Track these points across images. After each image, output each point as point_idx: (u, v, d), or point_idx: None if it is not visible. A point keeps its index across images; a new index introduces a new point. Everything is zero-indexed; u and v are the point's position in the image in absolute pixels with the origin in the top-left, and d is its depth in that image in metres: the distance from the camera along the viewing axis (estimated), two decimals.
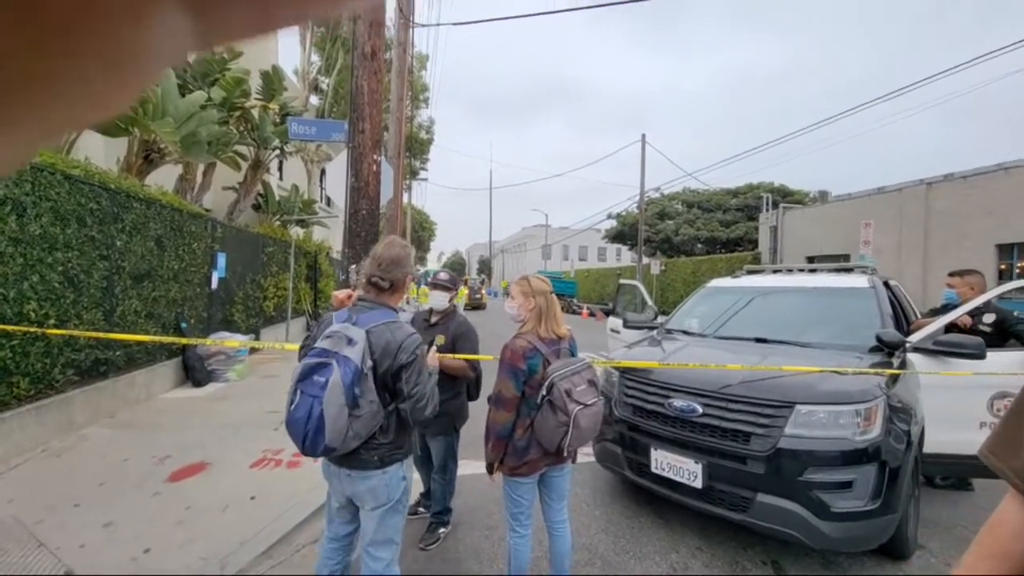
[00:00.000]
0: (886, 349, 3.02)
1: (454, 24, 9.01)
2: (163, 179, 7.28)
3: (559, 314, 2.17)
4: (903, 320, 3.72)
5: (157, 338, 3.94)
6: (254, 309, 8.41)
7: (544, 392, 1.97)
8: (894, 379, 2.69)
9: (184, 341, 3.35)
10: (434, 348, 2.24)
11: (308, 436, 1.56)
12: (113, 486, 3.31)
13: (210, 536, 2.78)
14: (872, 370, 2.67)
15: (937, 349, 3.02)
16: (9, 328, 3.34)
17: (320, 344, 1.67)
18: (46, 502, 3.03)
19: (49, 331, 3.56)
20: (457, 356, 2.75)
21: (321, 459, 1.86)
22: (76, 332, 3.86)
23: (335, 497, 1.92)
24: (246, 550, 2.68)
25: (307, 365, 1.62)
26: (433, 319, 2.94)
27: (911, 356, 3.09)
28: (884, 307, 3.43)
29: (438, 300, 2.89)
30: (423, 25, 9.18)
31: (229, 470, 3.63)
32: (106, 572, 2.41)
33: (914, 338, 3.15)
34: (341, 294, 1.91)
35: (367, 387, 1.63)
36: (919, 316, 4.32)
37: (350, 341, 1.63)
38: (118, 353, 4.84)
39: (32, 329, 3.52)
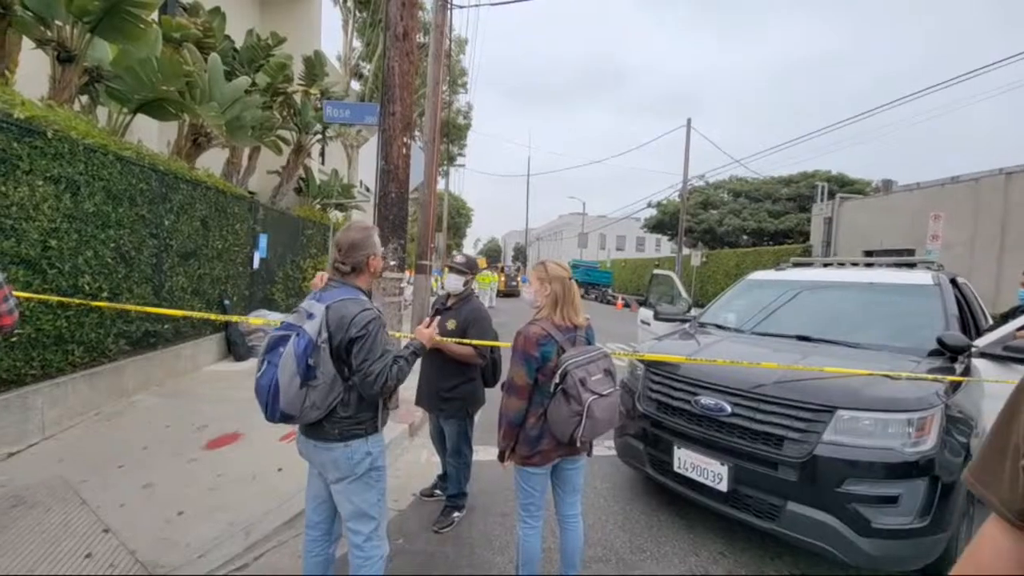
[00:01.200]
0: (948, 353, 2.72)
1: (493, 4, 8.83)
2: (213, 163, 7.60)
3: (577, 301, 2.07)
4: (970, 322, 3.36)
5: (194, 313, 4.15)
6: (293, 289, 8.72)
7: (557, 380, 1.89)
8: (955, 387, 2.42)
9: (214, 317, 3.49)
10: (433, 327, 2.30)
11: (268, 403, 1.66)
12: (155, 451, 3.51)
13: (238, 504, 2.90)
14: (929, 376, 2.41)
15: (1007, 355, 2.70)
16: (65, 300, 3.58)
17: (287, 319, 1.78)
18: (93, 463, 3.25)
19: (100, 304, 3.79)
20: (463, 341, 2.73)
21: (297, 434, 1.93)
22: (125, 306, 4.09)
23: (312, 472, 1.97)
24: (269, 520, 2.78)
25: (273, 337, 1.72)
26: (449, 303, 2.91)
27: (977, 362, 2.78)
28: (949, 307, 3.09)
29: (452, 283, 2.86)
30: (461, 7, 9.06)
31: (260, 442, 3.78)
32: (140, 531, 2.55)
33: (980, 342, 2.83)
34: (317, 279, 1.98)
35: (322, 358, 1.69)
36: (989, 318, 3.90)
37: (310, 315, 1.72)
38: (166, 326, 5.14)
39: (86, 302, 3.76)
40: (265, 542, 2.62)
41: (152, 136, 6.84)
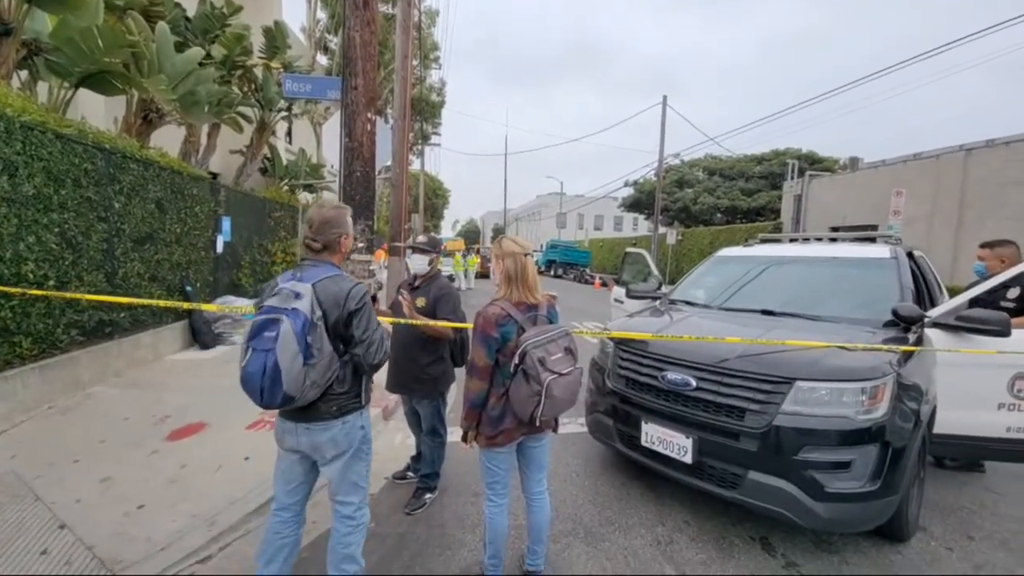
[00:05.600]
0: (902, 324, 2.81)
1: None
2: (170, 142, 7.19)
3: (532, 278, 2.01)
4: (925, 293, 3.48)
5: (145, 301, 3.95)
6: (262, 274, 8.45)
7: (517, 360, 1.87)
8: (908, 355, 2.51)
9: (164, 304, 3.31)
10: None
11: (265, 389, 1.61)
12: (113, 444, 3.38)
13: (202, 495, 2.82)
14: (883, 346, 2.49)
15: (958, 324, 2.80)
16: (6, 289, 3.35)
17: (268, 302, 1.72)
18: (47, 458, 3.12)
19: (44, 292, 3.58)
20: (429, 323, 2.71)
21: (279, 421, 1.89)
22: (68, 294, 3.88)
23: (287, 458, 1.93)
24: (235, 509, 2.72)
25: (256, 323, 1.67)
26: (416, 283, 2.87)
27: (930, 331, 2.89)
28: (904, 279, 3.19)
29: (418, 263, 2.81)
30: None
31: (226, 431, 3.69)
32: (97, 526, 2.47)
33: (933, 312, 2.93)
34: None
35: (318, 336, 1.69)
36: (944, 290, 4.05)
37: (297, 295, 1.68)
38: (123, 315, 4.91)
39: (29, 291, 3.54)
40: (231, 532, 2.57)
41: (98, 112, 6.43)
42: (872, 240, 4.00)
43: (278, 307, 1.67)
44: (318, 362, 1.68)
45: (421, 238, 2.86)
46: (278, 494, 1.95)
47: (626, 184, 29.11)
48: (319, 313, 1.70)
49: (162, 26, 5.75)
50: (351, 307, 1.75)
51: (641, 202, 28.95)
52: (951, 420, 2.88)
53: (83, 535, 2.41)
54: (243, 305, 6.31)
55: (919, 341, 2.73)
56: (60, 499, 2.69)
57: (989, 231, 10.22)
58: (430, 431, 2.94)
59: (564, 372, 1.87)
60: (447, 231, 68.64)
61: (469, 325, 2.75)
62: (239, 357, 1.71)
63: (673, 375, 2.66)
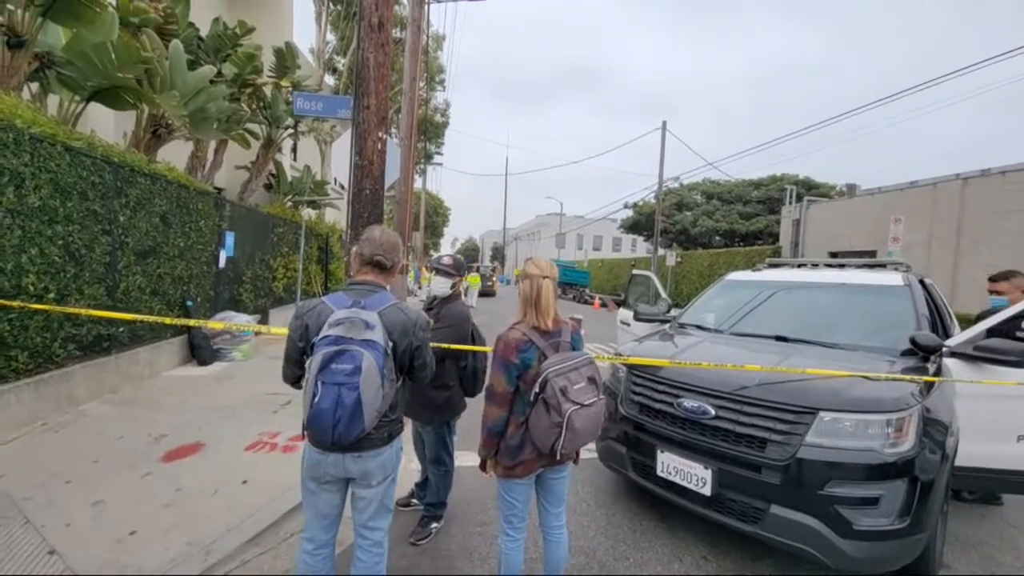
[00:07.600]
0: (921, 353, 2.76)
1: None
2: (177, 156, 7.21)
3: (545, 303, 1.91)
4: (939, 322, 3.45)
5: (148, 317, 3.86)
6: (263, 289, 8.39)
7: (537, 389, 1.80)
8: (929, 386, 2.45)
9: (170, 321, 3.25)
10: None
11: (339, 424, 1.54)
12: (106, 464, 3.26)
13: (197, 520, 2.70)
14: (907, 376, 2.44)
15: (978, 355, 2.76)
16: (6, 303, 3.28)
17: (331, 332, 1.60)
18: (38, 478, 2.99)
19: (45, 307, 3.51)
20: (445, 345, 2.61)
21: (308, 455, 1.76)
22: (70, 309, 3.81)
23: (324, 494, 1.79)
24: (232, 536, 2.60)
25: (326, 355, 1.55)
26: (433, 304, 2.80)
27: (948, 361, 2.84)
28: (920, 307, 3.16)
29: (439, 286, 2.73)
30: (439, 0, 8.90)
31: (223, 452, 3.57)
32: (88, 552, 2.35)
33: (952, 342, 2.89)
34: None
35: (389, 367, 1.66)
36: (955, 319, 4.02)
37: (368, 325, 1.61)
38: (121, 329, 4.82)
39: (32, 306, 3.46)
40: (228, 562, 2.45)
41: (108, 126, 6.46)
42: (882, 266, 3.99)
43: (347, 337, 1.57)
44: (387, 392, 1.64)
45: (446, 260, 2.76)
46: (315, 532, 1.83)
47: (626, 206, 29.40)
48: (390, 344, 1.67)
49: (176, 44, 5.81)
50: (421, 337, 1.77)
51: (640, 224, 29.18)
52: (970, 452, 2.81)
53: (73, 563, 2.29)
54: (244, 322, 6.22)
55: (939, 371, 2.68)
56: (50, 522, 2.57)
57: (984, 258, 10.31)
58: (434, 459, 2.83)
59: (586, 403, 1.80)
60: (446, 249, 68.82)
61: (487, 349, 2.69)
62: (304, 393, 1.59)
63: (690, 403, 2.60)
